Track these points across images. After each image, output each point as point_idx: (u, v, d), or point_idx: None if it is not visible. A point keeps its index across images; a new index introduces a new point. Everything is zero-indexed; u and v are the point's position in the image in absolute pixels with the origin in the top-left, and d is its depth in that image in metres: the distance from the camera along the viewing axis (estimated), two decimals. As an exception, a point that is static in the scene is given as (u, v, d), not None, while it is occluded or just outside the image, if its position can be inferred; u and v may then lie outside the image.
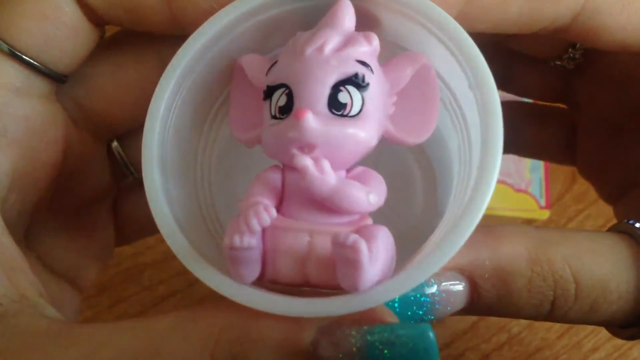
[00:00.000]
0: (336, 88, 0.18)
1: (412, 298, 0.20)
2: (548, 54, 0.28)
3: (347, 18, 0.20)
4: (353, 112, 0.18)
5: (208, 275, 0.18)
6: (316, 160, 0.18)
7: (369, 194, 0.19)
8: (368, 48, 0.19)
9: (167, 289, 0.38)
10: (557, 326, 0.38)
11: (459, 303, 0.21)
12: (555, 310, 0.21)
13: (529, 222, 0.42)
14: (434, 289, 0.20)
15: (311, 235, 0.18)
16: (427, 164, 0.24)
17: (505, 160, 0.19)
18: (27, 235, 0.25)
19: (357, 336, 0.17)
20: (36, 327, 0.19)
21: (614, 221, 0.25)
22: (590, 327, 0.38)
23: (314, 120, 0.18)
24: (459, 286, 0.20)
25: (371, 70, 0.19)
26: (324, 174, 0.18)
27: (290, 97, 0.18)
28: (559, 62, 0.28)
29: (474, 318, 0.39)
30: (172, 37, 0.22)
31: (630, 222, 0.22)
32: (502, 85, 0.24)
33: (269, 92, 0.19)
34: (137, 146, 0.22)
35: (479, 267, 0.20)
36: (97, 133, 0.26)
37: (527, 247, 0.21)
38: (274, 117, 0.19)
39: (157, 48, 0.25)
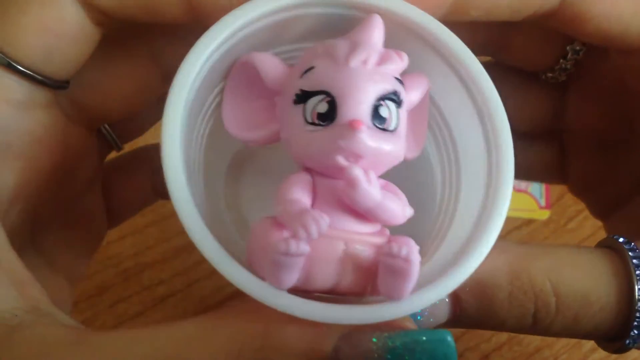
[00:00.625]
0: (377, 102, 0.18)
1: None
2: (539, 65, 0.28)
3: (379, 33, 0.20)
4: (391, 127, 0.19)
5: (246, 281, 0.17)
6: (365, 172, 0.18)
7: (405, 207, 0.19)
8: (401, 65, 0.19)
9: (167, 289, 0.38)
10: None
11: (442, 315, 0.21)
12: (538, 323, 0.21)
13: (529, 222, 0.42)
14: None
15: (347, 243, 0.18)
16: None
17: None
18: (33, 239, 0.25)
19: (378, 342, 0.17)
20: (53, 336, 0.19)
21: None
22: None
23: (367, 132, 0.18)
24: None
25: (404, 88, 0.19)
26: (372, 186, 0.18)
27: (332, 105, 0.18)
28: (550, 74, 0.28)
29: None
30: (163, 30, 0.23)
31: (615, 237, 0.22)
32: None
33: (304, 96, 0.19)
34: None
35: None
36: (90, 125, 0.26)
37: (508, 261, 0.21)
38: (312, 123, 0.19)
39: (148, 41, 0.25)
